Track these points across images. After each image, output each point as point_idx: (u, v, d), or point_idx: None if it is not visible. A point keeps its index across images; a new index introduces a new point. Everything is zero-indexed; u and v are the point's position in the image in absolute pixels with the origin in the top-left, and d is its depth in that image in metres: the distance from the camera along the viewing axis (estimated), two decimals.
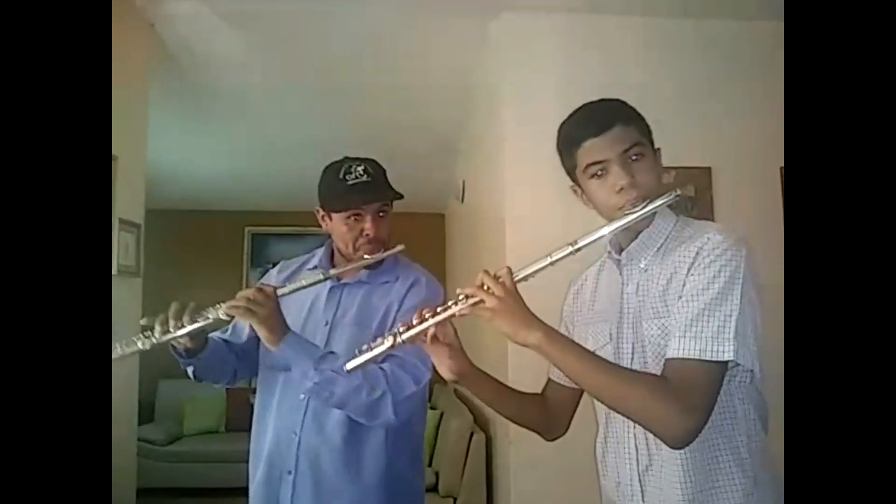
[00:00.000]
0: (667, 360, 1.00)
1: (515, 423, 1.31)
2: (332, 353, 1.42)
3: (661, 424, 0.95)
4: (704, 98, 2.78)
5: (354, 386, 1.37)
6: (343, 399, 1.38)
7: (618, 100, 1.14)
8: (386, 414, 1.40)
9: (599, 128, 1.08)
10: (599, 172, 1.09)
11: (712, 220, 2.67)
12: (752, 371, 1.03)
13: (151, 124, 2.91)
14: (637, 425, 1.07)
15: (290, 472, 1.47)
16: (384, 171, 1.59)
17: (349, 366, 1.17)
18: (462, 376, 1.16)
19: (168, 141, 4.19)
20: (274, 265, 1.77)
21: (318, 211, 1.60)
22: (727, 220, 2.68)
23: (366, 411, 1.40)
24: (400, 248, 1.52)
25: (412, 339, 1.11)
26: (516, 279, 1.04)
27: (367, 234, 1.51)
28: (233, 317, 1.40)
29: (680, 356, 0.98)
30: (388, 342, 1.12)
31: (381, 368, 1.43)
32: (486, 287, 1.02)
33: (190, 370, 1.50)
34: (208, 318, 1.36)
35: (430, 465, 3.89)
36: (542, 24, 2.78)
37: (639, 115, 1.14)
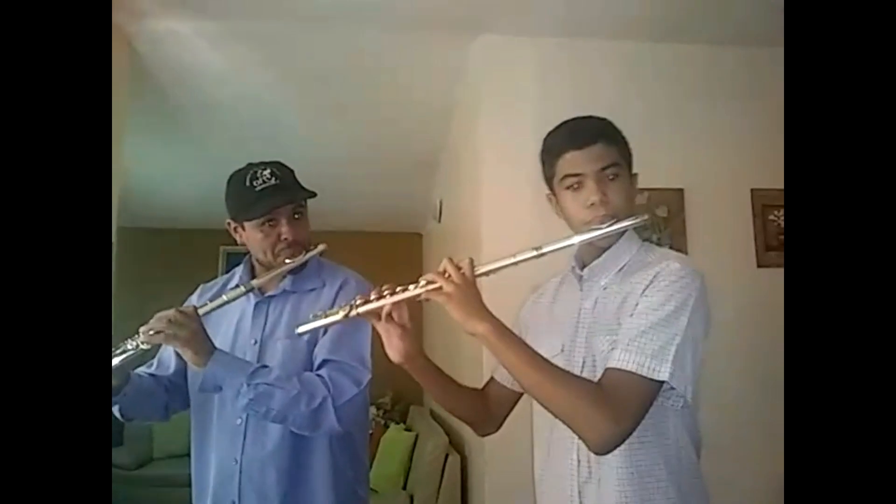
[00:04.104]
0: (606, 368, 1.04)
1: (453, 414, 1.34)
2: (264, 366, 1.37)
3: (587, 428, 0.99)
4: (677, 121, 2.83)
5: (292, 397, 1.32)
6: (282, 412, 1.32)
7: (605, 119, 1.18)
8: (329, 421, 1.35)
9: (582, 142, 1.12)
10: (575, 185, 1.13)
11: (685, 240, 2.72)
12: (684, 398, 1.06)
13: (125, 141, 2.88)
14: (578, 440, 1.10)
15: (233, 503, 1.41)
16: (292, 171, 1.52)
17: (300, 329, 1.16)
18: (409, 360, 1.17)
19: (141, 158, 4.14)
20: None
21: (229, 224, 1.54)
22: (700, 239, 2.73)
23: (308, 422, 1.35)
24: (321, 247, 1.46)
25: (368, 315, 1.12)
26: (477, 273, 1.07)
27: (286, 239, 1.45)
28: (155, 344, 1.32)
29: (618, 367, 1.01)
30: (343, 313, 1.12)
31: (319, 375, 1.38)
32: (446, 274, 1.05)
33: (116, 409, 1.42)
34: (128, 349, 1.29)
35: (404, 487, 3.85)
36: (519, 47, 2.82)
37: (622, 137, 1.18)
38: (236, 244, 1.58)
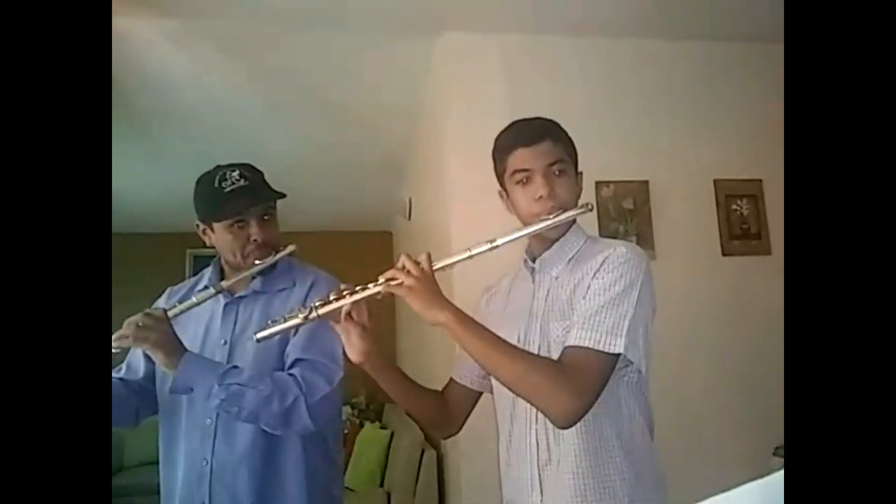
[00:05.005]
0: (564, 346, 1.09)
1: (414, 417, 1.37)
2: (235, 367, 1.37)
3: (550, 403, 1.04)
4: (641, 114, 2.88)
5: (264, 396, 1.32)
6: (254, 411, 1.32)
7: (552, 120, 1.25)
8: (302, 420, 1.35)
9: (531, 139, 1.19)
10: (524, 180, 1.19)
11: (651, 230, 2.77)
12: (639, 371, 1.12)
13: None
14: (537, 422, 1.16)
15: None
16: (261, 173, 1.53)
17: (259, 335, 1.16)
18: (369, 359, 1.19)
19: None
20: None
21: (198, 226, 1.54)
22: (665, 230, 2.79)
23: (280, 421, 1.34)
24: (291, 248, 1.47)
25: (328, 316, 1.14)
26: (435, 267, 1.12)
27: (255, 240, 1.45)
28: (125, 348, 1.32)
29: (576, 344, 1.07)
30: (303, 315, 1.12)
31: (291, 374, 1.38)
32: (405, 269, 1.09)
33: None
34: None
35: (381, 485, 3.85)
36: (483, 44, 2.83)
37: (568, 137, 1.24)
38: (203, 247, 1.57)
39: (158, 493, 1.51)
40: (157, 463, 1.53)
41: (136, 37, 2.71)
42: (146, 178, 4.73)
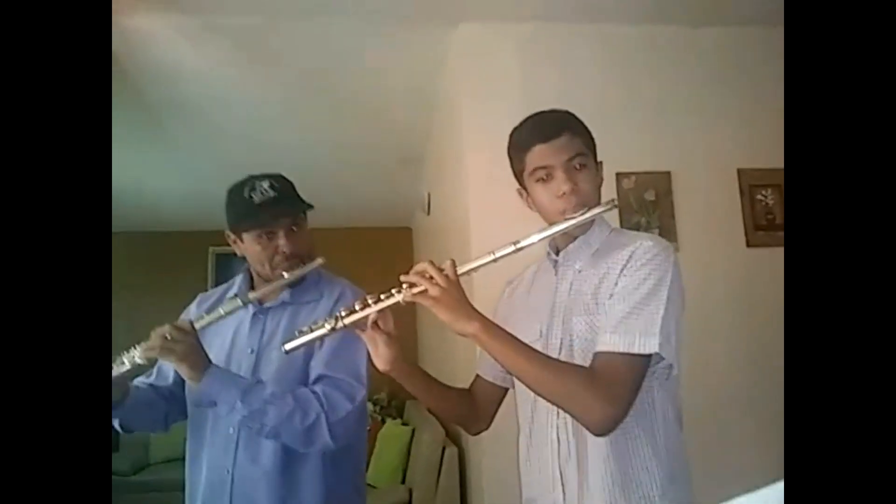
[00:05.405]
0: (596, 352, 1.06)
1: (443, 417, 1.37)
2: (259, 382, 1.37)
3: (586, 413, 1.02)
4: (661, 103, 2.83)
5: (286, 413, 1.32)
6: (276, 428, 1.33)
7: (567, 112, 1.21)
8: (323, 438, 1.35)
9: (548, 135, 1.15)
10: (545, 177, 1.16)
11: (674, 222, 2.72)
12: (671, 367, 1.09)
13: None
14: (558, 417, 1.14)
15: None
16: (292, 184, 1.53)
17: (288, 346, 1.16)
18: (396, 367, 1.18)
19: (124, 160, 4.09)
20: None
21: (228, 235, 1.54)
22: (688, 221, 2.74)
23: (302, 438, 1.35)
24: (319, 261, 1.45)
25: (354, 325, 1.13)
26: (459, 273, 1.09)
27: (283, 251, 1.46)
28: (153, 360, 1.33)
29: (608, 350, 1.04)
30: (329, 325, 1.12)
31: (314, 391, 1.38)
32: (429, 277, 1.07)
33: (115, 422, 1.42)
34: (125, 364, 1.30)
35: (403, 481, 3.85)
36: (499, 34, 2.80)
37: (586, 128, 1.21)
38: (226, 245, 1.58)
39: (183, 489, 1.52)
40: (182, 460, 1.55)
41: (148, 33, 2.72)
42: (168, 178, 4.77)
